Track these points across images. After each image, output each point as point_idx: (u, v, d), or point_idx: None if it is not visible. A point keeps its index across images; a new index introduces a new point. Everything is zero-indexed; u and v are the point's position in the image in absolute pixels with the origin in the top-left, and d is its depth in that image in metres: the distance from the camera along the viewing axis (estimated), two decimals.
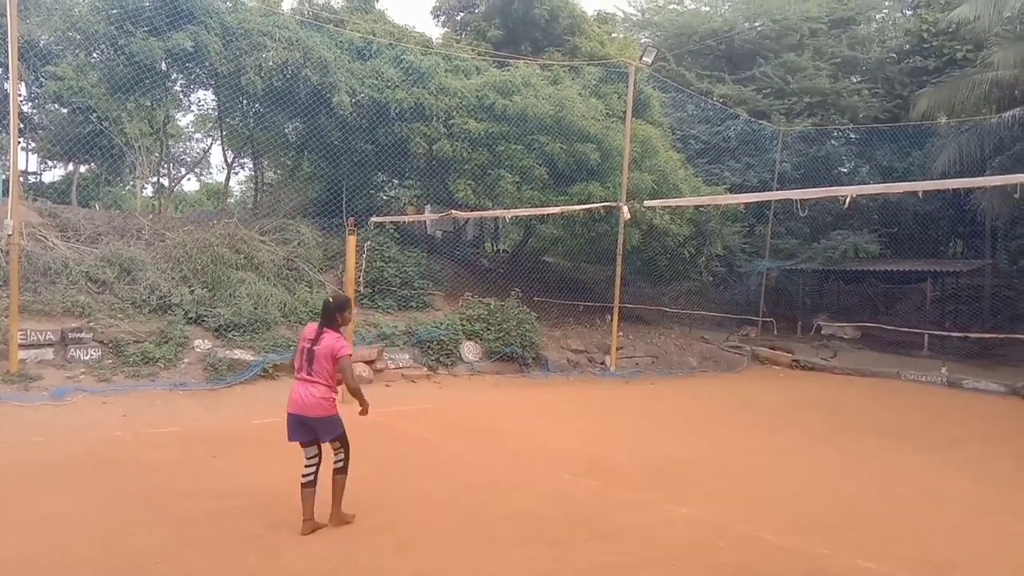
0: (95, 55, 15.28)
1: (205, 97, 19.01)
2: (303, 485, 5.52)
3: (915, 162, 22.15)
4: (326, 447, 5.62)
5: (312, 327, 5.67)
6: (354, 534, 5.55)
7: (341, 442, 5.65)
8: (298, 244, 14.82)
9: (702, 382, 15.37)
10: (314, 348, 5.53)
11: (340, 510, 5.67)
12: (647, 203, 12.80)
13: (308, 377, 5.52)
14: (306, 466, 5.59)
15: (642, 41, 26.91)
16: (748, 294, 23.46)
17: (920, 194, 10.09)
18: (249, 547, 5.21)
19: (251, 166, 22.44)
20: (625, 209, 12.68)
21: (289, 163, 19.77)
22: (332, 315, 5.64)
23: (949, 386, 15.53)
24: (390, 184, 20.69)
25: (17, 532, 5.24)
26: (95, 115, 18.06)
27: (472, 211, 15.67)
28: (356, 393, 5.60)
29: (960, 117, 19.65)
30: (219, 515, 5.79)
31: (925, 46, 23.72)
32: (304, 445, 5.62)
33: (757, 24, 26.67)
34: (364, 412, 5.70)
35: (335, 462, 5.64)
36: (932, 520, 6.65)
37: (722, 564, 5.31)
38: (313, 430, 5.55)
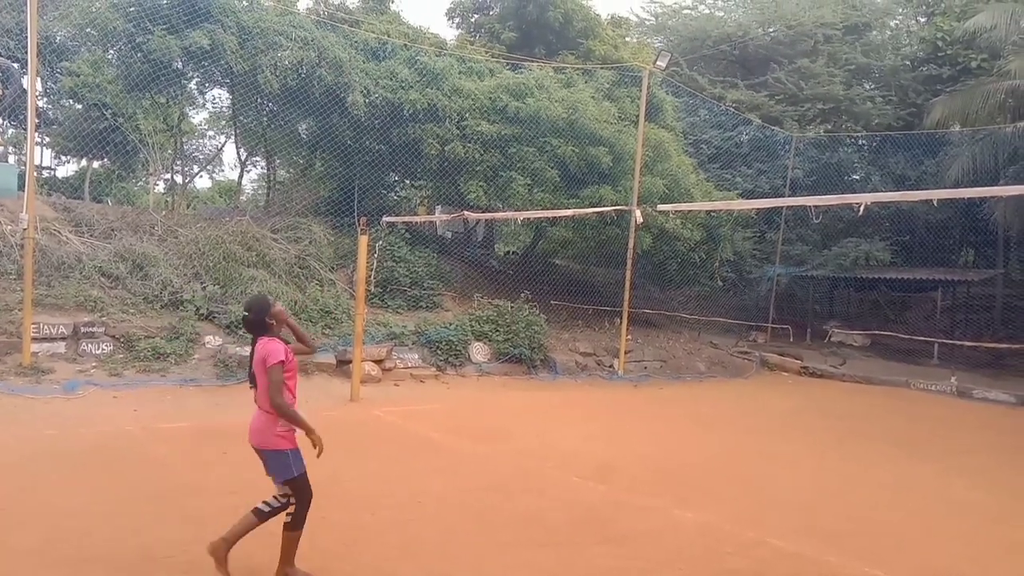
0: (111, 52, 15.42)
1: (220, 95, 19.13)
2: (253, 510, 4.58)
3: (928, 171, 22.05)
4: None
5: None
6: (361, 534, 5.57)
7: (294, 490, 4.48)
8: (309, 243, 14.88)
9: (711, 387, 15.35)
10: (252, 369, 4.53)
11: (289, 570, 4.56)
12: (660, 207, 12.78)
13: (256, 401, 4.55)
14: (274, 498, 4.58)
15: (655, 45, 26.90)
16: (758, 300, 23.41)
17: (935, 202, 10.04)
18: (260, 544, 5.22)
19: (264, 164, 22.56)
20: (638, 213, 12.66)
21: (301, 162, 19.86)
22: (259, 325, 4.52)
23: (958, 395, 15.46)
24: (402, 184, 20.75)
25: (33, 525, 5.29)
26: (109, 111, 18.21)
27: (483, 212, 15.71)
28: (287, 414, 4.35)
29: (974, 126, 19.57)
30: (230, 511, 5.78)
31: (940, 54, 23.64)
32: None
33: (771, 30, 26.62)
34: (316, 446, 4.43)
35: (286, 513, 4.52)
36: (941, 529, 6.63)
37: (731, 570, 5.30)
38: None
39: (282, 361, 4.35)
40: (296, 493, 4.47)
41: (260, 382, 4.40)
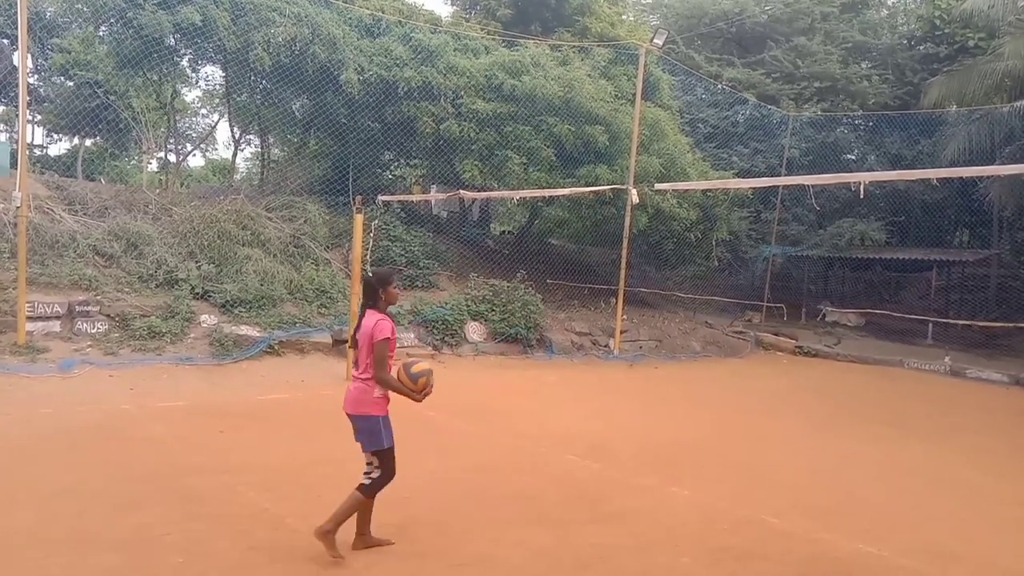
0: (103, 28, 15.25)
1: (213, 72, 19.01)
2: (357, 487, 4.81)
3: (924, 150, 22.00)
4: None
5: None
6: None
7: (380, 461, 4.70)
8: (304, 221, 14.80)
9: (705, 367, 15.39)
10: (356, 335, 4.81)
11: (328, 529, 4.61)
12: (657, 186, 12.76)
13: (355, 371, 4.85)
14: (364, 473, 4.77)
15: (652, 23, 26.70)
16: (753, 279, 23.45)
17: (935, 181, 10.02)
18: (256, 521, 5.25)
19: (257, 142, 22.41)
20: (634, 193, 12.64)
21: (296, 140, 19.73)
22: (374, 293, 4.84)
23: (952, 375, 15.53)
24: (396, 163, 20.64)
25: (28, 504, 5.29)
26: (101, 89, 18.06)
27: (479, 192, 15.65)
28: (388, 386, 4.69)
29: (971, 106, 19.49)
30: (226, 489, 5.84)
31: (937, 33, 23.52)
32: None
33: (768, 7, 26.43)
34: (416, 398, 4.76)
35: (365, 475, 4.71)
36: (934, 507, 6.69)
37: (724, 547, 5.34)
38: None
39: (388, 338, 4.69)
40: (382, 465, 4.72)
41: (363, 351, 4.73)
